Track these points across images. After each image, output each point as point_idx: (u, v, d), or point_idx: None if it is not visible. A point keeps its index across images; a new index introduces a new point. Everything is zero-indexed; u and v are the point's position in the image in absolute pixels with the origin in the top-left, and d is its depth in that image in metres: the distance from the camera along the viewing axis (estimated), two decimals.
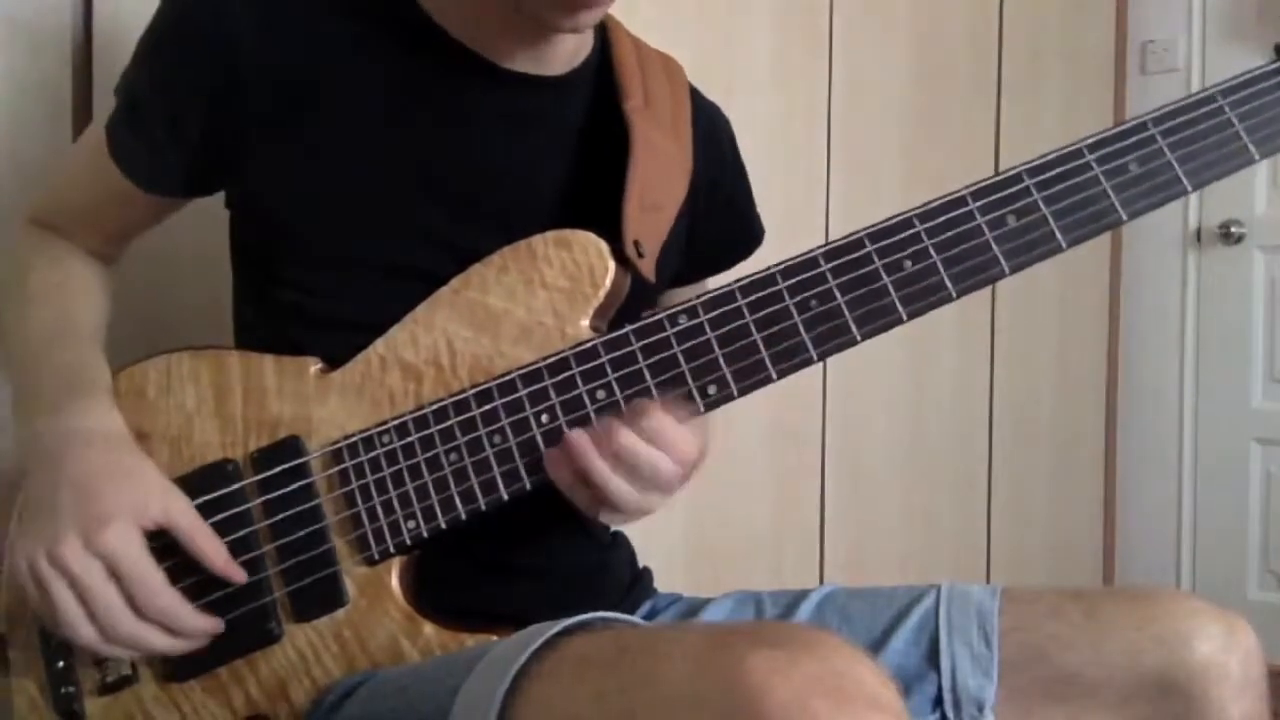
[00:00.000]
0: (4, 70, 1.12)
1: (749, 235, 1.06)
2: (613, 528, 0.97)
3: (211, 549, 0.77)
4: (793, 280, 0.76)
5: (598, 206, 0.84)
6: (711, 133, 0.99)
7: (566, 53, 0.88)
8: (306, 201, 0.82)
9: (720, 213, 1.00)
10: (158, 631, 0.75)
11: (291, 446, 0.80)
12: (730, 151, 1.03)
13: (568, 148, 0.89)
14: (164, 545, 0.76)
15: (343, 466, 0.79)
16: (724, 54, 1.76)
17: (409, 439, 0.78)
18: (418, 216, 0.83)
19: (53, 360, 0.83)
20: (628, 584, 0.98)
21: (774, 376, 0.76)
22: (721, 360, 0.76)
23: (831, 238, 0.77)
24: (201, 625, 0.76)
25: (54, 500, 0.74)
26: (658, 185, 0.87)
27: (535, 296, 0.80)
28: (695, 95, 0.99)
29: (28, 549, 0.74)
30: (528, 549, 0.87)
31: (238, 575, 0.78)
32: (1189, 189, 0.76)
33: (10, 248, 0.95)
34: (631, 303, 0.83)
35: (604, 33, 0.94)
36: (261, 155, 0.82)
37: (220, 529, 0.78)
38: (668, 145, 0.90)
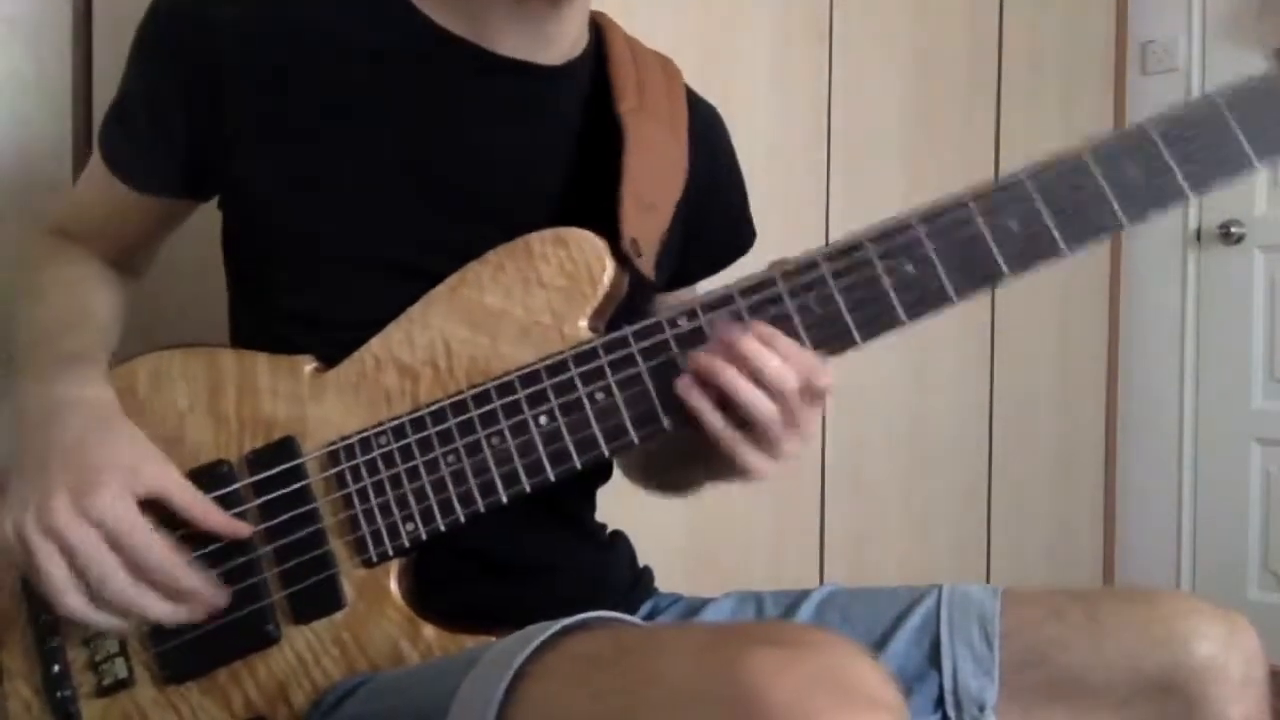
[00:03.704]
0: (4, 70, 1.12)
1: (742, 238, 1.06)
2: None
3: (205, 509, 0.76)
4: (793, 282, 0.76)
5: (594, 203, 0.83)
6: (708, 134, 0.99)
7: (563, 42, 0.88)
8: (294, 199, 0.82)
9: (717, 214, 1.00)
10: (153, 595, 0.74)
11: (287, 447, 0.79)
12: (726, 154, 1.03)
13: (564, 141, 0.88)
14: (159, 520, 0.75)
15: (340, 468, 0.79)
16: (724, 54, 1.76)
17: (406, 441, 0.78)
18: (411, 210, 0.83)
19: (57, 345, 0.83)
20: (628, 584, 0.98)
21: None
22: None
23: (831, 238, 0.77)
24: (198, 583, 0.75)
25: (42, 465, 0.73)
26: (653, 184, 0.87)
27: (533, 296, 0.80)
28: (692, 97, 0.98)
29: (14, 512, 0.73)
30: (527, 550, 0.87)
31: (242, 530, 0.77)
32: (1189, 195, 0.76)
33: (10, 246, 0.95)
34: (630, 302, 0.83)
35: (598, 31, 0.93)
36: (247, 154, 0.82)
37: None
38: (664, 143, 0.90)
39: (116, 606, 0.73)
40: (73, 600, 0.72)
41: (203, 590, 0.75)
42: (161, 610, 0.74)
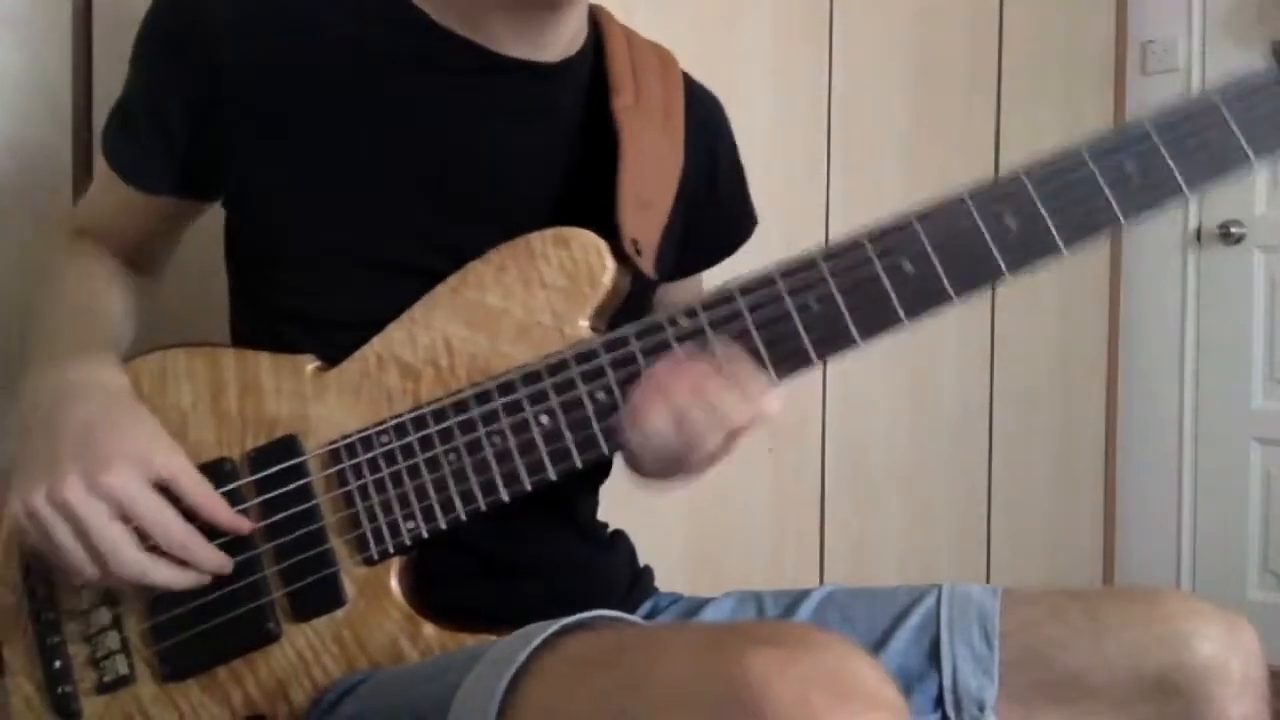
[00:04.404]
0: (4, 70, 1.12)
1: (742, 226, 1.05)
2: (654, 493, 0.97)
3: (213, 502, 0.77)
4: (792, 281, 0.76)
5: (593, 201, 0.83)
6: (706, 124, 0.99)
7: (562, 40, 0.88)
8: (294, 198, 0.82)
9: (716, 204, 1.00)
10: (164, 562, 0.75)
11: (288, 446, 0.79)
12: (726, 143, 1.03)
13: (563, 140, 0.88)
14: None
15: (341, 466, 0.79)
16: (724, 53, 1.76)
17: (408, 439, 0.78)
18: (411, 209, 0.83)
19: (70, 333, 0.84)
20: (628, 583, 0.98)
21: (775, 378, 0.76)
22: None
23: (832, 237, 0.77)
24: (216, 559, 0.76)
25: (53, 447, 0.74)
26: (649, 183, 0.87)
27: (533, 296, 0.80)
28: (691, 86, 0.98)
29: (24, 492, 0.73)
30: (527, 548, 0.87)
31: (244, 525, 0.78)
32: (1186, 192, 0.76)
33: (10, 246, 0.95)
34: (631, 301, 0.83)
35: (596, 25, 0.93)
36: (248, 153, 0.82)
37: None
38: (658, 142, 0.90)
39: (129, 576, 0.74)
40: (89, 573, 0.73)
41: (211, 557, 0.76)
42: (172, 577, 0.75)
